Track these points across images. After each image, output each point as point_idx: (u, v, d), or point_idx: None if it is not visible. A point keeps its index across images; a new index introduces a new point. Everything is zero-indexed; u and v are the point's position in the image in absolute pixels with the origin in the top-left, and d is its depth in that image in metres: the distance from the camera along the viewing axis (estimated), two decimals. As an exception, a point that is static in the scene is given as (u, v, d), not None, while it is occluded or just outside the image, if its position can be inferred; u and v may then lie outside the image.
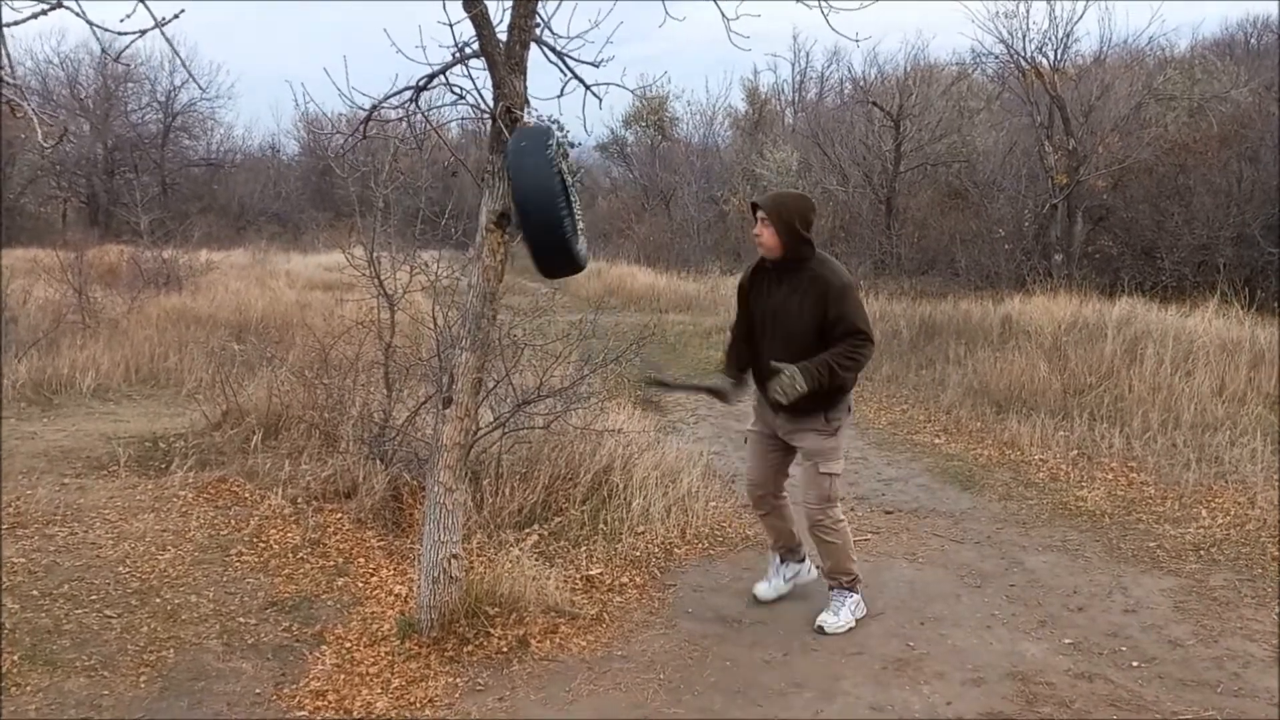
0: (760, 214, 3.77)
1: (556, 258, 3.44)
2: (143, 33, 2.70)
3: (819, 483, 3.92)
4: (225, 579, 4.23)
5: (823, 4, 3.95)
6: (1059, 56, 16.16)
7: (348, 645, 3.76)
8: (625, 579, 4.41)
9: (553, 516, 4.86)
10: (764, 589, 4.28)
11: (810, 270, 3.77)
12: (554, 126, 3.77)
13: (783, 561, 4.33)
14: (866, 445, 7.02)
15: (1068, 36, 16.20)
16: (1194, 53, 23.23)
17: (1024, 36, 16.14)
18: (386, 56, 3.89)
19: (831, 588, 4.07)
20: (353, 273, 6.05)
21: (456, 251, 6.30)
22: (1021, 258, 14.65)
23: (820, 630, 3.93)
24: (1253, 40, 25.59)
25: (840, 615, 3.98)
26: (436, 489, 3.70)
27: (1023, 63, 16.29)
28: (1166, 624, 3.97)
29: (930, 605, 4.18)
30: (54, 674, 3.39)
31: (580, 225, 3.58)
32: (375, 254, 5.74)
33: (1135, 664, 3.62)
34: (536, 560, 4.21)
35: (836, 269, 3.84)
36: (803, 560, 4.35)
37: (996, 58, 17.77)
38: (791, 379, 3.63)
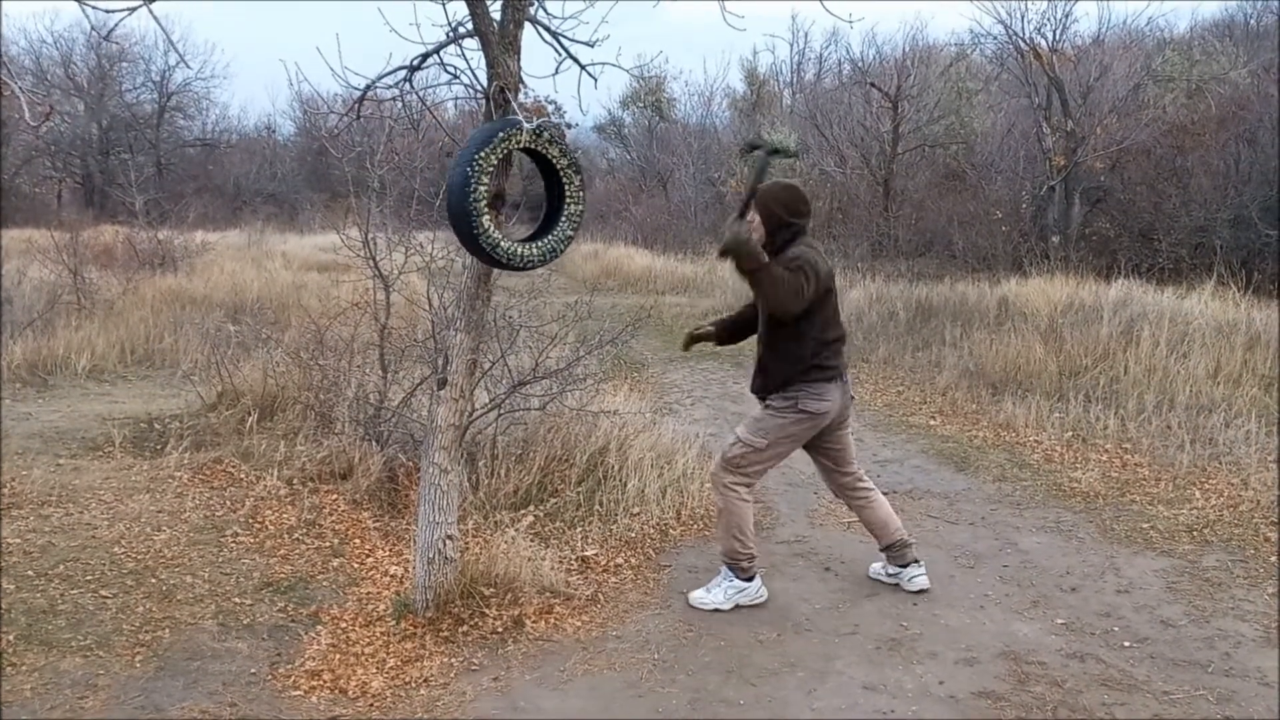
0: (753, 202, 3.87)
1: (484, 260, 3.48)
2: (131, 10, 2.67)
3: (729, 443, 4.03)
4: (221, 559, 4.23)
5: (819, -15, 3.93)
6: (1057, 37, 16.13)
7: (343, 625, 3.77)
8: (620, 560, 4.43)
9: (548, 498, 4.87)
10: (875, 568, 4.31)
11: (786, 253, 3.83)
12: (546, 107, 3.75)
13: (887, 560, 4.21)
14: (862, 427, 7.02)
15: (1066, 17, 16.18)
16: (1193, 34, 23.20)
17: (1023, 17, 16.11)
18: (381, 35, 3.88)
19: (721, 563, 4.07)
20: (348, 254, 6.03)
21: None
22: (1019, 239, 14.64)
23: (687, 600, 4.00)
24: (1252, 21, 25.47)
25: (711, 593, 3.99)
26: (432, 470, 3.70)
27: (1021, 44, 16.24)
28: (1159, 604, 3.99)
29: (924, 586, 4.19)
30: (49, 654, 3.40)
31: (568, 214, 3.49)
32: (371, 235, 5.73)
33: (1127, 644, 3.64)
34: (532, 541, 4.22)
35: (804, 250, 3.82)
36: (905, 565, 4.16)
37: (995, 39, 17.75)
38: (729, 228, 3.70)
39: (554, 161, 3.45)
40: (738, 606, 3.98)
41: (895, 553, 4.16)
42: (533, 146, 3.41)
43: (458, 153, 3.39)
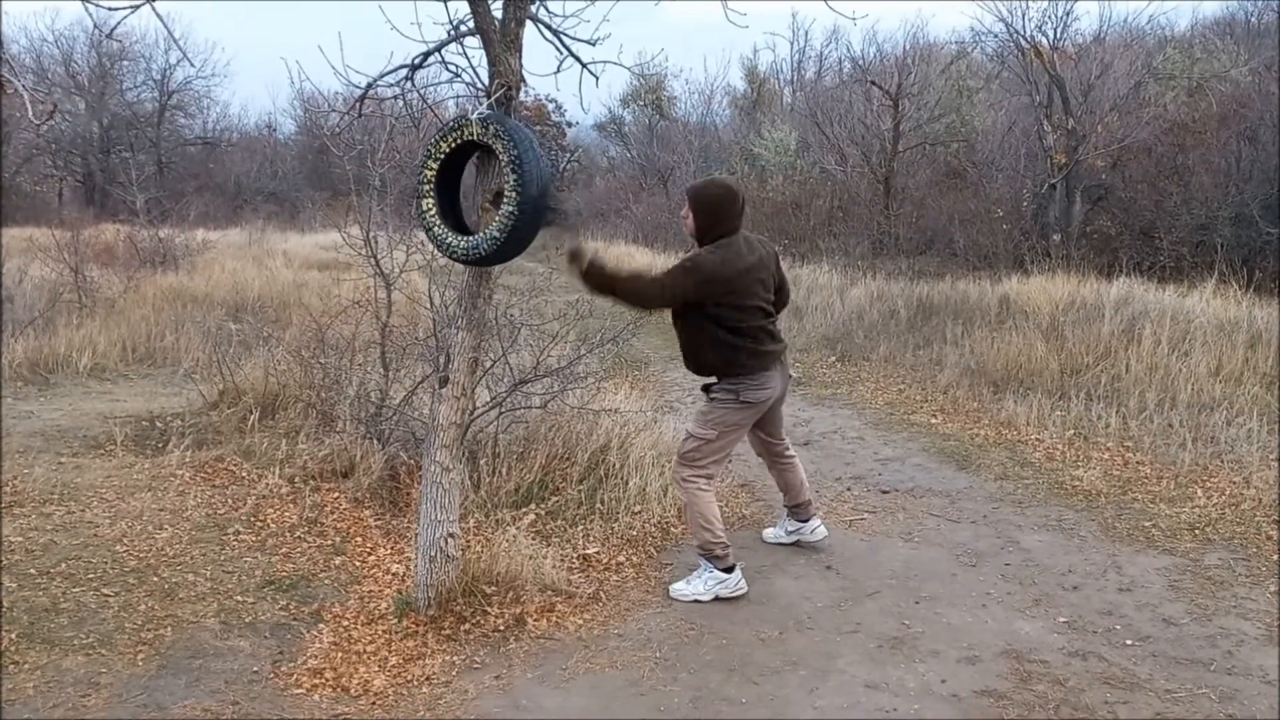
0: (687, 200, 4.09)
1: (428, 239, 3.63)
2: (134, 8, 2.67)
3: (683, 439, 4.22)
4: (223, 558, 4.23)
5: (821, -18, 3.93)
6: (1058, 35, 16.10)
7: (345, 624, 3.77)
8: (622, 558, 4.43)
9: (549, 496, 4.87)
10: (769, 533, 4.74)
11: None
12: (546, 105, 3.81)
13: (789, 516, 4.62)
14: (863, 425, 7.02)
15: (1067, 15, 16.14)
16: (1194, 32, 23.19)
17: (1023, 15, 16.11)
18: (382, 33, 3.88)
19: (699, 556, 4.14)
20: (349, 252, 6.03)
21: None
22: (1020, 238, 14.60)
23: (667, 592, 4.07)
24: (1253, 19, 25.45)
25: (692, 585, 4.06)
26: (433, 468, 3.71)
27: (1022, 41, 16.22)
28: (1161, 603, 3.99)
29: (926, 584, 4.20)
30: (52, 652, 3.40)
31: (503, 212, 3.36)
32: (372, 233, 5.73)
33: (1129, 642, 3.64)
34: (533, 539, 4.22)
35: (710, 252, 3.98)
36: (806, 520, 4.60)
37: (996, 36, 17.75)
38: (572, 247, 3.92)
39: (499, 156, 3.35)
40: (718, 598, 4.02)
41: (802, 510, 4.57)
42: (482, 139, 3.37)
43: None
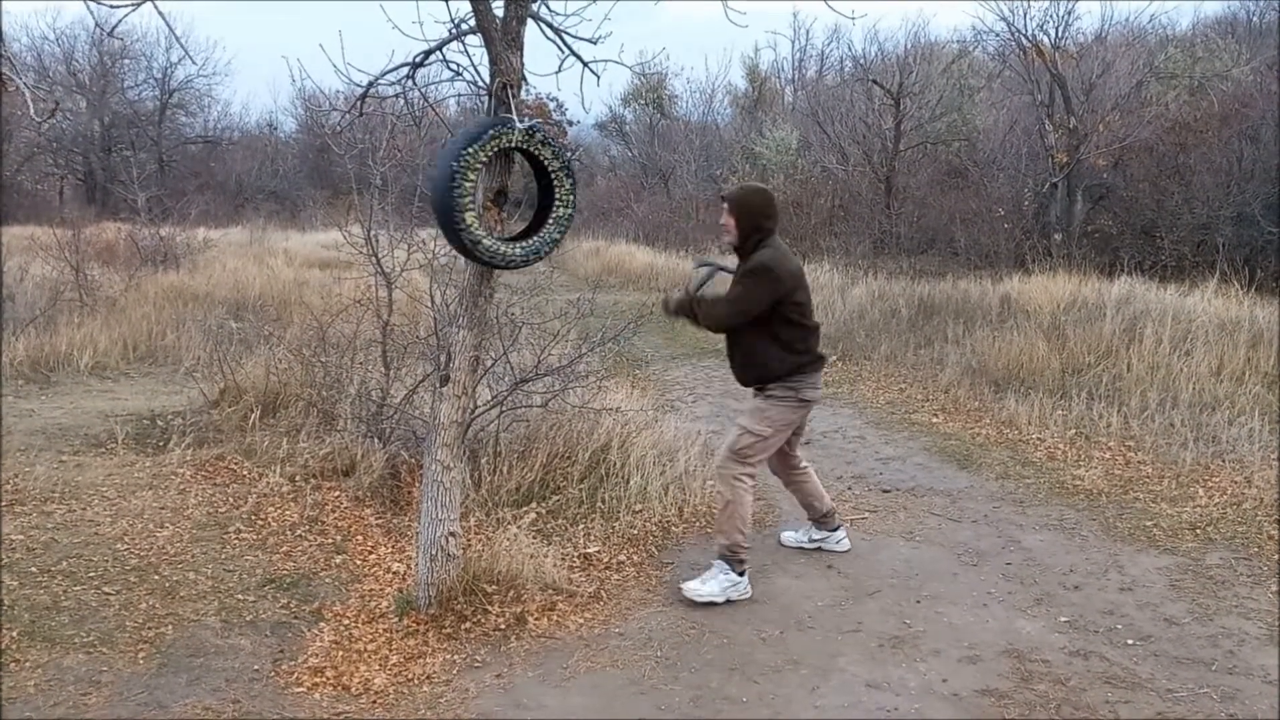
0: (725, 205, 4.10)
1: (466, 257, 3.51)
2: (135, 6, 2.67)
3: (732, 433, 4.17)
4: (223, 556, 4.23)
5: (822, -19, 3.92)
6: (1060, 34, 16.10)
7: (346, 622, 3.77)
8: (623, 557, 4.42)
9: (550, 495, 4.86)
10: (788, 536, 4.68)
11: (752, 255, 4.03)
12: (548, 105, 3.77)
13: (815, 526, 4.60)
14: (864, 424, 7.02)
15: (1069, 14, 16.15)
16: (1195, 31, 23.18)
17: (1025, 14, 16.08)
18: (383, 32, 3.87)
19: (716, 556, 4.10)
20: (350, 251, 6.03)
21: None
22: (1021, 237, 14.61)
23: (680, 590, 4.02)
24: (1254, 18, 25.43)
25: (706, 585, 4.02)
26: (434, 467, 3.70)
27: (1024, 40, 16.22)
28: (1162, 602, 3.98)
29: (927, 583, 4.20)
30: (53, 650, 3.40)
31: (556, 216, 3.51)
32: (373, 232, 5.72)
33: (1131, 642, 3.64)
34: (534, 538, 4.22)
35: (769, 254, 4.01)
36: (834, 530, 4.58)
37: (997, 35, 17.73)
38: (669, 296, 4.23)
39: (545, 164, 3.45)
40: (729, 600, 4.00)
41: (828, 520, 4.55)
42: (524, 147, 3.40)
43: (444, 146, 3.41)
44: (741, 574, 4.05)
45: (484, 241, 3.37)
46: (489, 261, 3.43)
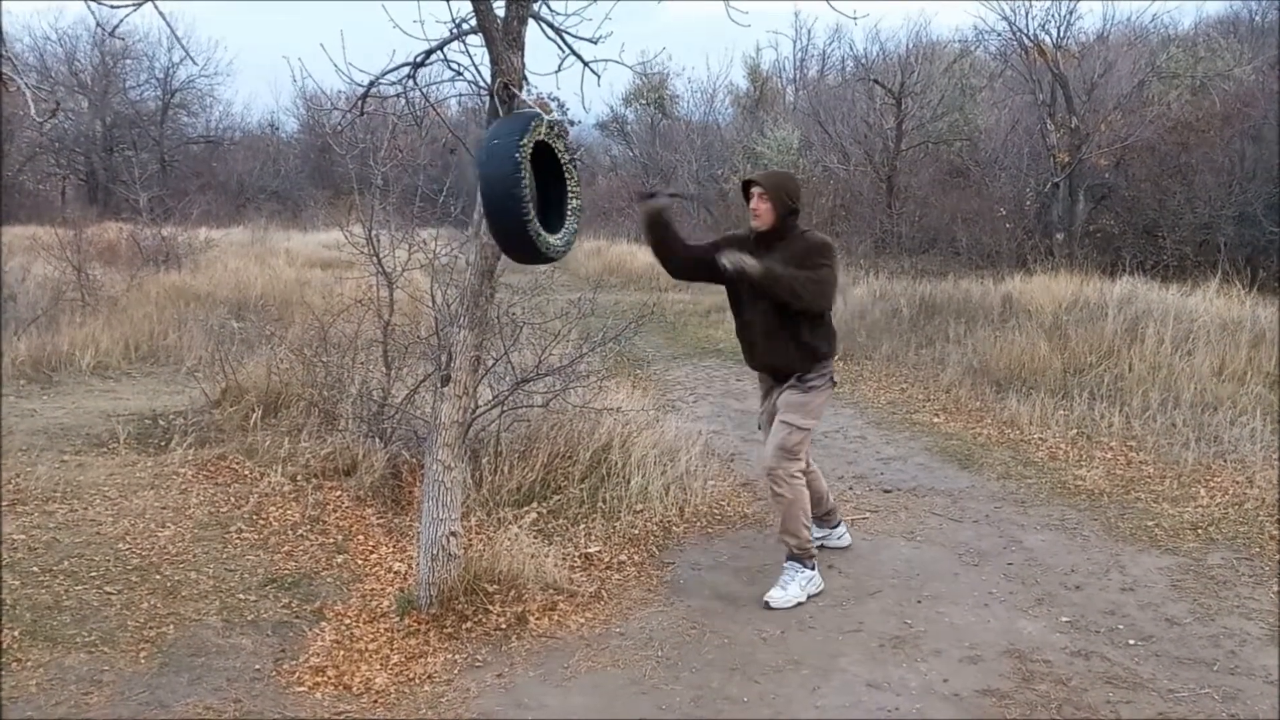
0: (758, 190, 4.05)
1: (520, 252, 3.34)
2: (137, 5, 2.67)
3: (780, 431, 4.06)
4: (225, 556, 4.23)
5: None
6: (1062, 34, 16.10)
7: (347, 622, 3.77)
8: (624, 557, 4.42)
9: (551, 494, 4.87)
10: None
11: (796, 236, 4.05)
12: (550, 104, 3.74)
13: (817, 522, 4.52)
14: (865, 424, 7.02)
15: (1071, 14, 16.14)
16: (1197, 30, 23.15)
17: (1027, 14, 16.07)
18: (384, 31, 3.87)
19: (786, 559, 4.09)
20: (352, 251, 6.03)
21: (455, 229, 6.30)
22: (1023, 236, 14.61)
23: (766, 605, 3.95)
24: (1257, 18, 25.40)
25: (789, 590, 4.00)
26: (435, 467, 3.71)
27: (1025, 40, 16.21)
28: (1164, 602, 3.98)
29: (928, 583, 4.19)
30: (54, 650, 3.40)
31: (573, 208, 3.52)
32: (374, 232, 5.73)
33: (1132, 642, 3.63)
34: (535, 538, 4.22)
35: (821, 235, 4.14)
36: (835, 526, 4.60)
37: (999, 35, 17.71)
38: (741, 257, 3.87)
39: (559, 156, 3.43)
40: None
41: (830, 517, 4.56)
42: (545, 140, 3.38)
43: (488, 144, 3.20)
44: (812, 567, 4.08)
45: (543, 234, 3.25)
46: (546, 255, 3.34)
